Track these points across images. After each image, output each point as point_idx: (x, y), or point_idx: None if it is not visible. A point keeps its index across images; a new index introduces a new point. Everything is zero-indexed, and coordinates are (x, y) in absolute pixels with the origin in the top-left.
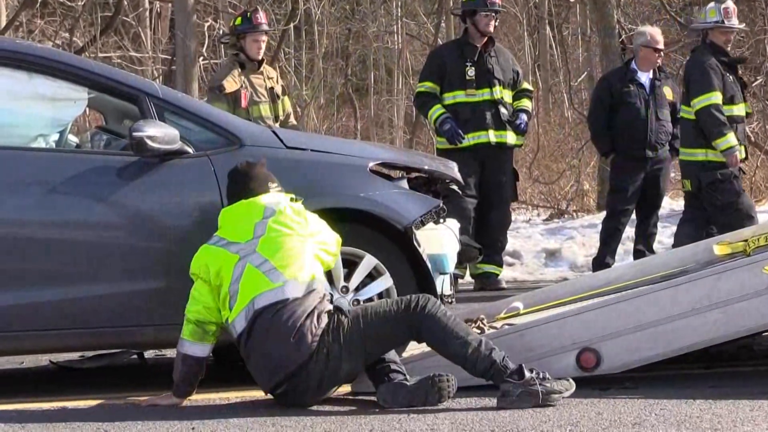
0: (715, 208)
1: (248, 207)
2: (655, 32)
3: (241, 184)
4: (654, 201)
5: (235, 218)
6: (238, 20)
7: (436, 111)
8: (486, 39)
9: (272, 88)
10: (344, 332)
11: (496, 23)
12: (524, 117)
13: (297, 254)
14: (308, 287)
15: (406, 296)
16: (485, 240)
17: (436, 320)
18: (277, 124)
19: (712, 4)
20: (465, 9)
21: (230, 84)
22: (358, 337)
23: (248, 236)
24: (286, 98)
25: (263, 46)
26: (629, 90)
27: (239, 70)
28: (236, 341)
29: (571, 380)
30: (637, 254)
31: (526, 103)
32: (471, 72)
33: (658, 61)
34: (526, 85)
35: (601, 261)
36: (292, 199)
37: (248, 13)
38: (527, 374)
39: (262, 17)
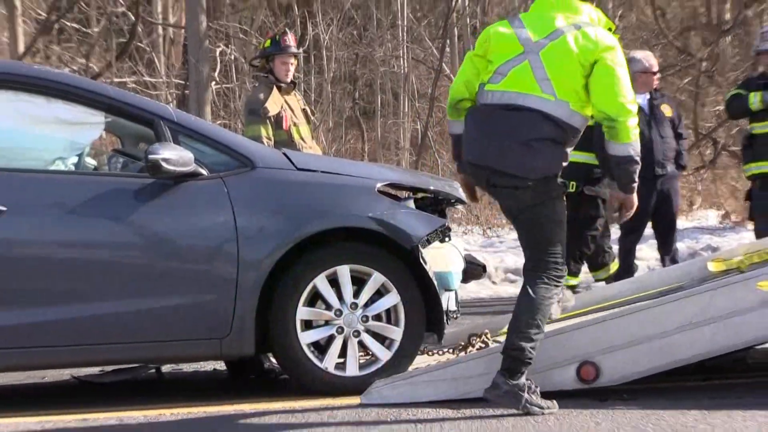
0: None
1: (564, 5)
2: (649, 57)
3: None
4: (670, 217)
5: (544, 6)
6: (267, 43)
7: None
8: None
9: (305, 109)
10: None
11: None
12: None
13: (572, 77)
14: (570, 116)
15: None
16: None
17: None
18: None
19: None
20: None
21: (273, 106)
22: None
23: (542, 34)
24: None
25: (292, 68)
26: None
27: (277, 91)
28: None
29: (555, 402)
30: None
31: None
32: None
33: (655, 83)
34: None
35: (621, 277)
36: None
37: (277, 36)
38: (522, 380)
39: (290, 40)
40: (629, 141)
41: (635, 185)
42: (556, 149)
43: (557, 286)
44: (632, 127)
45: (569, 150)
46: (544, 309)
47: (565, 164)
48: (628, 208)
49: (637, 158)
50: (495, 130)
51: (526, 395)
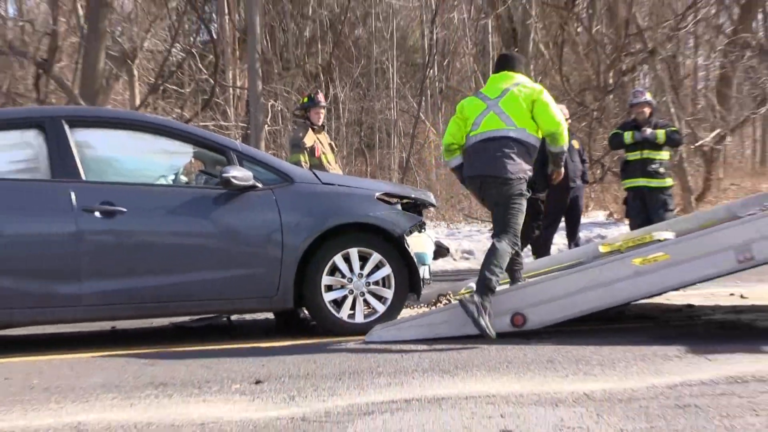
0: None
1: (506, 78)
2: (563, 108)
3: (507, 60)
4: (577, 215)
5: (495, 81)
6: (305, 99)
7: None
8: None
9: (330, 143)
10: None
11: None
12: None
13: (522, 114)
14: (527, 137)
15: None
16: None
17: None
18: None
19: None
20: None
21: (309, 141)
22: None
23: (496, 95)
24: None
25: (322, 116)
26: None
27: (312, 131)
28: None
29: (495, 333)
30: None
31: None
32: None
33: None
34: None
35: (540, 255)
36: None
37: (312, 94)
38: (486, 302)
39: (321, 97)
40: (563, 143)
41: (563, 163)
42: (524, 158)
43: (513, 248)
44: (565, 135)
45: (532, 159)
46: (504, 258)
47: (530, 172)
48: (560, 174)
49: (566, 150)
50: (482, 153)
51: (485, 314)
